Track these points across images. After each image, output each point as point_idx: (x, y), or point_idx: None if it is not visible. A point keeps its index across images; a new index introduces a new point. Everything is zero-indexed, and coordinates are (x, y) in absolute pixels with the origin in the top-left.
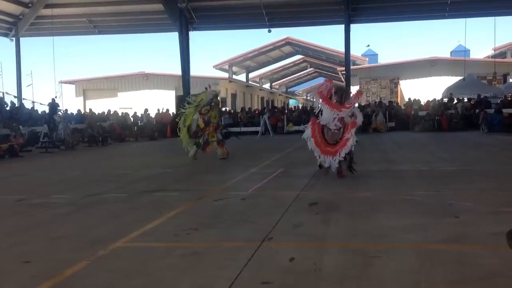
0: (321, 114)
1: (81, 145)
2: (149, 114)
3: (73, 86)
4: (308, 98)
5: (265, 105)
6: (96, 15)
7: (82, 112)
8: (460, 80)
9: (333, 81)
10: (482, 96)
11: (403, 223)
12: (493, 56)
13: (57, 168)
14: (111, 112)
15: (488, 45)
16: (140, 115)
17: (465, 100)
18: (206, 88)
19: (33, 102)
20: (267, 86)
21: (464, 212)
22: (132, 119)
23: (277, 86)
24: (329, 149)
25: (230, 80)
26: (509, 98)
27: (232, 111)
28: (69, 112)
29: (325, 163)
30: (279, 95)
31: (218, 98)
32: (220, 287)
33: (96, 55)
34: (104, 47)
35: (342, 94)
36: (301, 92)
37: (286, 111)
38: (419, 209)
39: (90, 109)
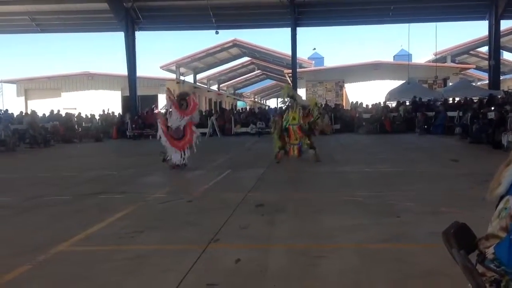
0: (170, 116)
1: (22, 146)
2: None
3: (14, 86)
4: (257, 100)
5: (213, 107)
6: (39, 13)
7: (24, 113)
8: (402, 84)
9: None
10: (417, 99)
11: (346, 224)
12: (434, 61)
13: None
14: (54, 113)
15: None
16: (85, 116)
17: (407, 103)
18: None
19: None
20: (215, 87)
21: (404, 212)
22: (76, 119)
23: (225, 88)
24: (177, 143)
25: (178, 81)
26: (450, 101)
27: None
28: (9, 112)
29: (172, 157)
30: (227, 96)
31: (295, 98)
32: None
33: (38, 54)
34: (47, 46)
35: (185, 98)
36: (249, 93)
37: (234, 112)
38: (362, 210)
39: (33, 110)
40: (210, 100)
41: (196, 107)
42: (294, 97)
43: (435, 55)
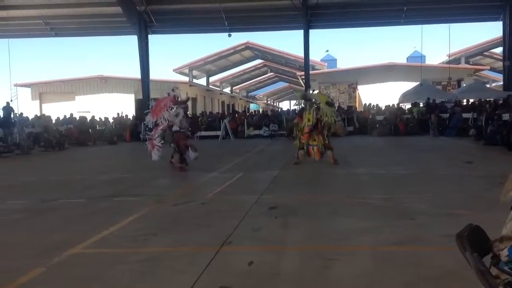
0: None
1: (37, 149)
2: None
3: (28, 90)
4: (269, 102)
5: (225, 109)
6: (53, 17)
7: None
8: (416, 86)
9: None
10: (431, 101)
11: (360, 226)
12: (448, 62)
13: (11, 173)
14: (71, 116)
15: (443, 51)
16: (99, 119)
17: (421, 105)
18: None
19: None
20: (227, 90)
21: (419, 214)
22: (90, 123)
23: (237, 90)
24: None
25: (191, 84)
26: (464, 103)
27: (192, 115)
28: (24, 115)
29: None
30: (240, 99)
31: (308, 98)
32: None
33: (53, 58)
34: (61, 50)
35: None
36: (261, 96)
37: (246, 115)
38: (375, 212)
39: (43, 114)
40: (223, 102)
41: (157, 108)
42: (306, 97)
43: (449, 56)
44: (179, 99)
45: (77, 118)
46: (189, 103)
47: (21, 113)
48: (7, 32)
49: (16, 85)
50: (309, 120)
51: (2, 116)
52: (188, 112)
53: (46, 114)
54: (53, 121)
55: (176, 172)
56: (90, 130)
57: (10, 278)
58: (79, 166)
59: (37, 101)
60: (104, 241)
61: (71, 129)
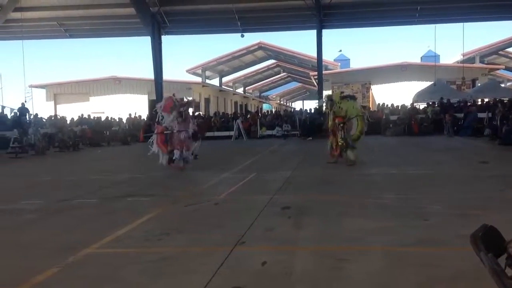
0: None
1: (52, 150)
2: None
3: (43, 90)
4: (282, 102)
5: (238, 110)
6: (67, 18)
7: (52, 116)
8: (430, 85)
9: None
10: (445, 100)
11: (373, 226)
12: (462, 62)
13: (27, 173)
14: (88, 117)
15: (458, 50)
16: (112, 119)
17: (436, 104)
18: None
19: (2, 107)
20: (240, 90)
21: (432, 214)
22: (104, 123)
23: (250, 91)
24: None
25: (204, 84)
26: (479, 102)
27: (205, 115)
28: (39, 116)
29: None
30: (253, 99)
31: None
32: None
33: (67, 59)
34: (75, 51)
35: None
36: (274, 96)
37: (259, 115)
38: (389, 212)
39: (55, 115)
40: (235, 103)
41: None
42: (331, 98)
43: (463, 55)
44: (176, 102)
45: (92, 118)
46: (192, 105)
47: (36, 114)
48: (22, 33)
49: (31, 86)
50: (330, 120)
51: (17, 117)
52: (189, 114)
53: (61, 115)
54: (68, 122)
55: (178, 171)
56: (105, 132)
57: (26, 278)
58: (93, 166)
59: (52, 102)
60: (117, 241)
61: (85, 130)
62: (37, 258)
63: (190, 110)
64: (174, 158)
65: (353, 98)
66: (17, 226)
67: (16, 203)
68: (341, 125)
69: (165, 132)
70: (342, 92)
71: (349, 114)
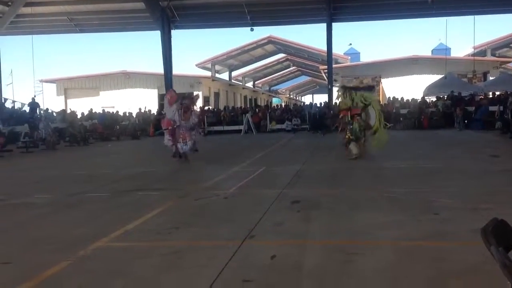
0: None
1: (62, 144)
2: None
3: (54, 85)
4: (292, 96)
5: (248, 104)
6: (77, 13)
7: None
8: (441, 79)
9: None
10: (456, 94)
11: (383, 220)
12: (473, 55)
13: (37, 167)
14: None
15: (469, 43)
16: (122, 114)
17: (446, 98)
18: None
19: (13, 102)
20: (250, 84)
21: (443, 209)
22: (115, 117)
23: (260, 85)
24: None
25: (213, 78)
26: (490, 96)
27: (215, 109)
28: (49, 111)
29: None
30: (262, 93)
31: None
32: (201, 286)
33: (77, 53)
34: (85, 45)
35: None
36: (284, 90)
37: (269, 109)
38: (399, 206)
39: (64, 109)
40: (245, 97)
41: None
42: (345, 87)
43: (474, 48)
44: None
45: (103, 112)
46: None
47: (47, 109)
48: (32, 28)
49: (41, 81)
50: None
51: (28, 111)
52: (191, 107)
53: (71, 109)
54: (78, 117)
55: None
56: (115, 126)
57: (37, 271)
58: (103, 161)
59: (62, 97)
60: (128, 235)
61: (96, 124)
62: (48, 252)
63: (194, 104)
64: (182, 151)
65: (370, 89)
66: (28, 220)
67: (27, 197)
68: (358, 117)
69: (170, 127)
70: (361, 82)
71: (364, 103)
